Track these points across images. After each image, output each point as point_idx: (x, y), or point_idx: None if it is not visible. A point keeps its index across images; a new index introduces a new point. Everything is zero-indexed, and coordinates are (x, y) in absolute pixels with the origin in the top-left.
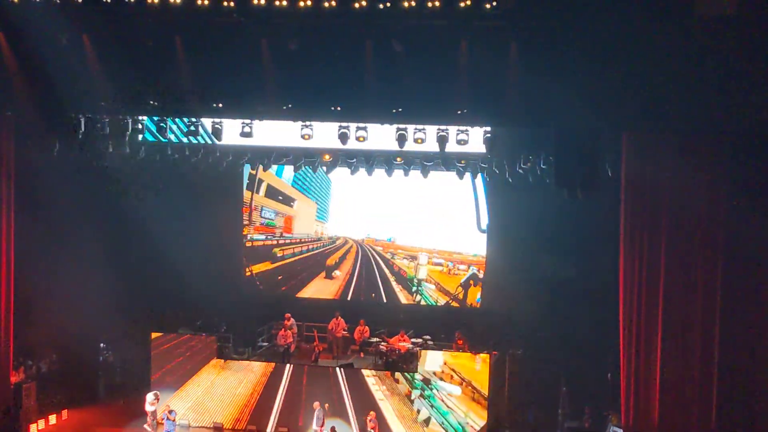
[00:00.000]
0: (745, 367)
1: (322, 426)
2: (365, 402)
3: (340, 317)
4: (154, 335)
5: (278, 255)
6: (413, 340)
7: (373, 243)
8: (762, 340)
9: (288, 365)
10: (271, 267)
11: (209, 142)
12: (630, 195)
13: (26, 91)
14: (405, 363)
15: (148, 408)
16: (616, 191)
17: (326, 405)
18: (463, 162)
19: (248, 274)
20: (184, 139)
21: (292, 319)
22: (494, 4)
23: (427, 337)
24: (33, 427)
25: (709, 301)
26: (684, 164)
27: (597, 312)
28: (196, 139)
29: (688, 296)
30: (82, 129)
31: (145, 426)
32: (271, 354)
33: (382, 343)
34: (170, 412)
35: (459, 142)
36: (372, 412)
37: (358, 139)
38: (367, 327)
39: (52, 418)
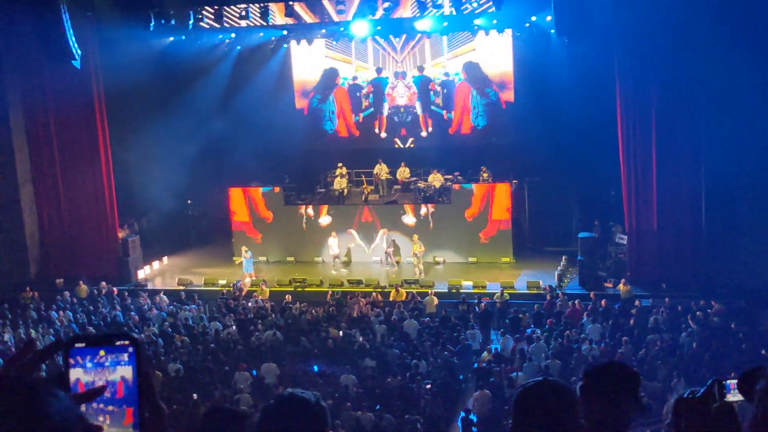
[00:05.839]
0: (728, 173)
1: (390, 247)
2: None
3: (382, 162)
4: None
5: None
6: (445, 176)
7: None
8: (744, 148)
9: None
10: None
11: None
12: (621, 38)
13: None
14: (440, 196)
15: (334, 251)
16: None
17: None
18: (477, 21)
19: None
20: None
21: (344, 167)
22: None
23: (457, 173)
24: (140, 272)
25: (694, 122)
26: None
27: (600, 139)
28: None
29: (676, 119)
30: (152, 22)
31: (333, 269)
32: (328, 198)
33: (420, 181)
34: (246, 251)
35: (471, 3)
36: (415, 235)
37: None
38: (407, 168)
39: (156, 264)
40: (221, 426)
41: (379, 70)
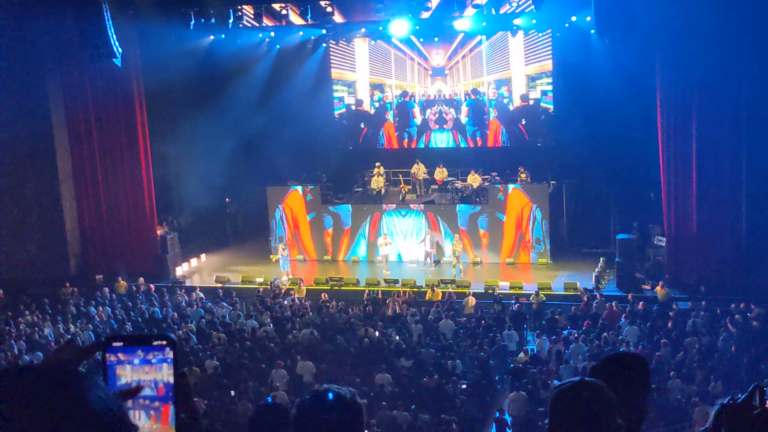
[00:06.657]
0: None
1: (434, 249)
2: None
3: (420, 162)
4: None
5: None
6: (483, 177)
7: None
8: None
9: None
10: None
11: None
12: (661, 38)
13: None
14: (477, 197)
15: (383, 251)
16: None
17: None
18: (517, 21)
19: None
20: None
21: (382, 167)
22: None
23: (495, 173)
24: (179, 269)
25: (736, 124)
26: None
27: (639, 141)
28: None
29: (717, 121)
30: (192, 21)
31: (382, 269)
32: (365, 197)
33: (457, 181)
34: (284, 248)
35: (510, 3)
36: (456, 235)
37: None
38: (445, 168)
39: (194, 261)
40: (273, 422)
41: (404, 94)
